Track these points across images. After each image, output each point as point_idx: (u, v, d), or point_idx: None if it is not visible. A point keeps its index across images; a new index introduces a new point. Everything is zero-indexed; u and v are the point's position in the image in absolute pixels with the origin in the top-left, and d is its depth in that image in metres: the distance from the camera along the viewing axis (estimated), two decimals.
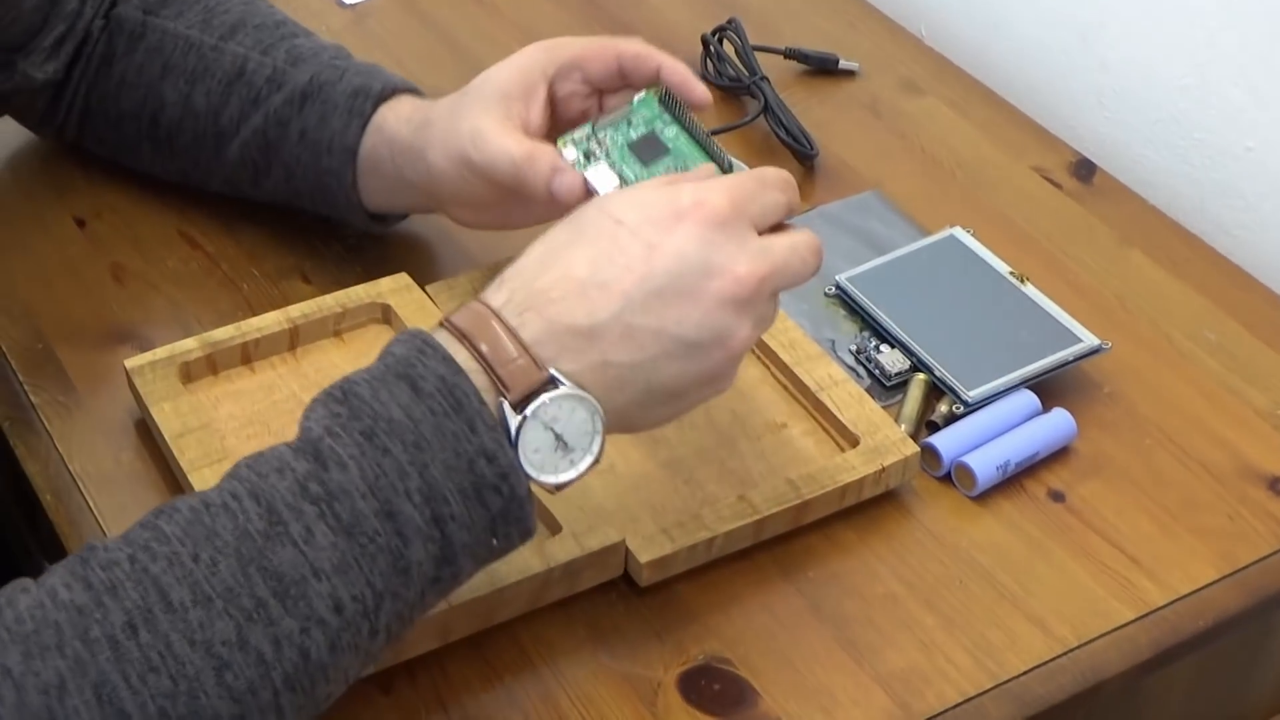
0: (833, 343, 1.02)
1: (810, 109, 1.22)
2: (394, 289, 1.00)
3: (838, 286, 1.05)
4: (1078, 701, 0.84)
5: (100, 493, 0.92)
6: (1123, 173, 1.20)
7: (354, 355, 0.98)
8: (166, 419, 0.92)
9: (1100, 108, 1.25)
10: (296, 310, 0.98)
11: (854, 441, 0.92)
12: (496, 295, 0.77)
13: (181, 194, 1.12)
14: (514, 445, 0.74)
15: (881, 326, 1.01)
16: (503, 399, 0.74)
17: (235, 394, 0.95)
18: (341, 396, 0.74)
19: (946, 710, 0.83)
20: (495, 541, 0.75)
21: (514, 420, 0.74)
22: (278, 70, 1.04)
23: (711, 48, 1.25)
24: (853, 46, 1.30)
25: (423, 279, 1.01)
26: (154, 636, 0.67)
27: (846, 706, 0.82)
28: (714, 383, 0.80)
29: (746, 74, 1.22)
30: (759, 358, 0.98)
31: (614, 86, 0.97)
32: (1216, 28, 1.15)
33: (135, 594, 0.68)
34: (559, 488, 0.77)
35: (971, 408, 0.96)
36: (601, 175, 0.90)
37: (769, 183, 0.81)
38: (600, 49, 0.96)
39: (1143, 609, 0.88)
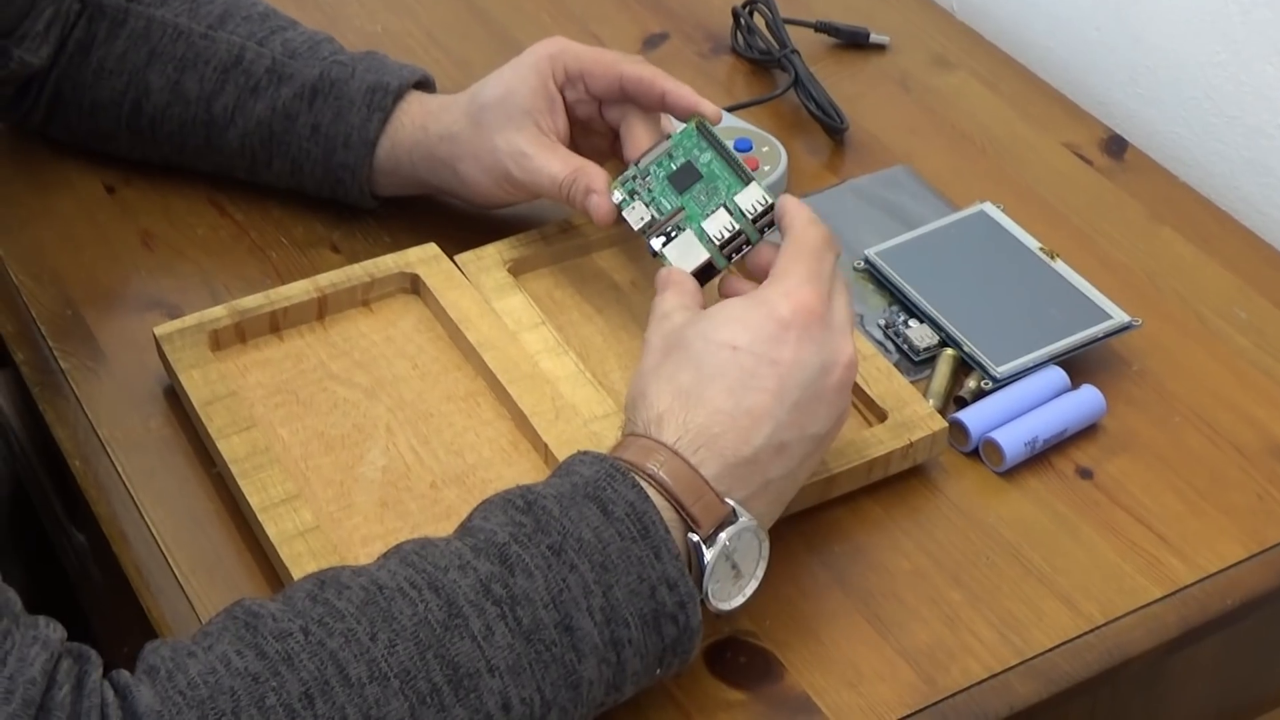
0: (861, 317, 1.02)
1: (840, 83, 1.22)
2: (422, 259, 1.00)
3: (867, 261, 1.04)
4: (1104, 679, 0.84)
5: (129, 458, 0.92)
6: (1154, 149, 1.19)
7: (382, 324, 0.98)
8: (195, 386, 0.92)
9: (1132, 84, 1.25)
10: (325, 279, 0.98)
11: (882, 416, 0.92)
12: (663, 434, 0.79)
13: None
14: (703, 577, 0.77)
15: (910, 301, 1.01)
16: (693, 534, 0.77)
17: (263, 362, 0.96)
18: (525, 506, 0.76)
19: (972, 686, 0.82)
20: (659, 671, 0.77)
21: (708, 554, 0.77)
22: (277, 62, 1.05)
23: (742, 20, 1.25)
24: (884, 20, 1.29)
25: (451, 249, 1.01)
26: (330, 709, 0.68)
27: (872, 680, 0.82)
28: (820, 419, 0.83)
29: (777, 47, 1.22)
30: None
31: (615, 100, 1.00)
32: (1250, 4, 1.14)
33: (312, 666, 0.69)
34: (724, 613, 0.80)
35: (1000, 384, 0.96)
36: (635, 214, 0.94)
37: (822, 247, 0.85)
38: (605, 67, 0.99)
39: (1170, 587, 0.88)
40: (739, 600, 0.80)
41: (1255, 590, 0.89)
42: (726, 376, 0.80)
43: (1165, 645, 0.86)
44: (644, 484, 0.77)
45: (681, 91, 0.97)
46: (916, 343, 0.99)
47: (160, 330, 0.95)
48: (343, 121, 1.03)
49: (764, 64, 1.24)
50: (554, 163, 0.98)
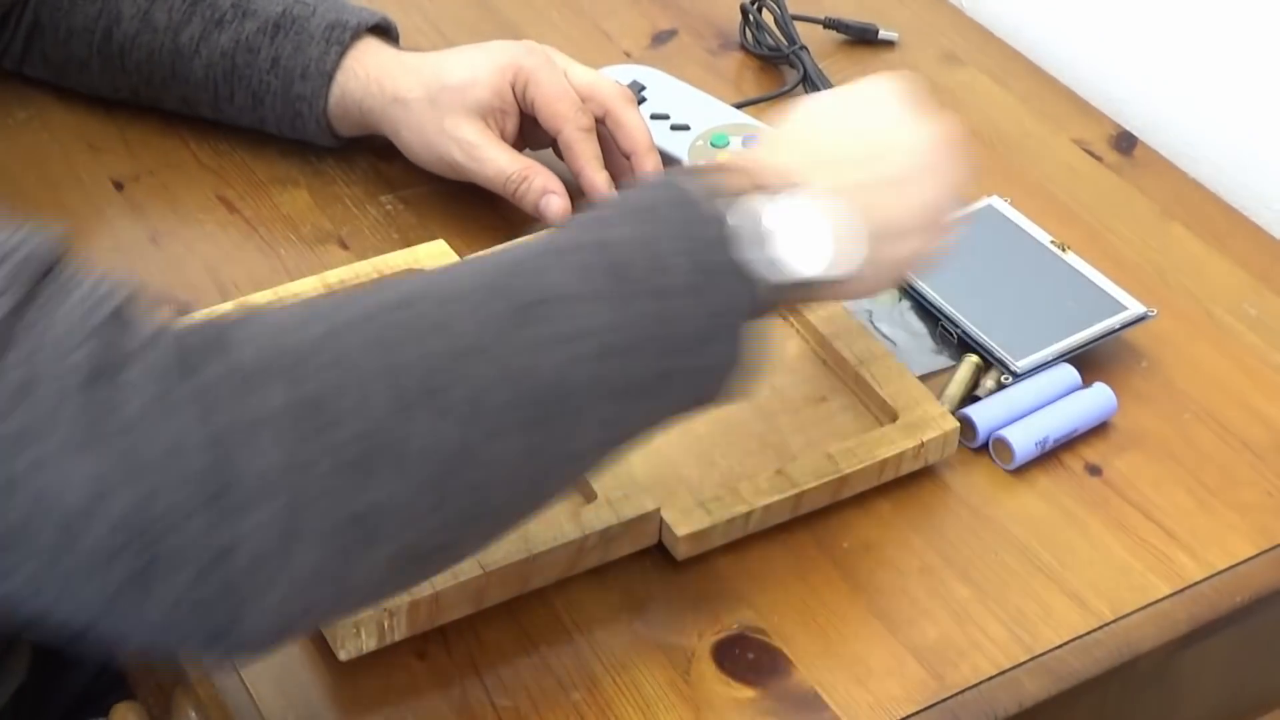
0: (870, 313, 1.02)
1: (849, 79, 1.20)
2: (431, 255, 1.00)
3: None
4: (1113, 676, 0.84)
5: None
6: (1164, 145, 1.19)
7: None
8: None
9: (1142, 79, 1.24)
10: (333, 276, 0.98)
11: (893, 416, 0.92)
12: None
13: (219, 157, 1.12)
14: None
15: (924, 298, 1.01)
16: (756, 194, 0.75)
17: None
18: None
19: (981, 682, 0.82)
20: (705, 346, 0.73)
21: (765, 205, 0.75)
22: None
23: (751, 16, 1.25)
24: (892, 17, 1.29)
25: (459, 246, 1.01)
26: (421, 311, 0.68)
27: (880, 677, 0.82)
28: (930, 171, 0.82)
29: (785, 43, 1.22)
30: (798, 331, 0.98)
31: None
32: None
33: (402, 287, 0.70)
34: (812, 284, 0.76)
35: (1020, 378, 0.95)
36: None
37: None
38: (551, 116, 1.04)
39: (1179, 584, 0.88)
40: (818, 267, 0.76)
41: (1265, 587, 0.88)
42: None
43: (1175, 642, 0.86)
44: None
45: (596, 181, 1.03)
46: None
47: None
48: (302, 54, 1.07)
49: (773, 61, 1.24)
50: (502, 157, 1.03)
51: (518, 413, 0.68)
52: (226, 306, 0.95)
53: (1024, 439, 0.92)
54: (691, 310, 0.72)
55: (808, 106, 0.85)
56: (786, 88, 1.19)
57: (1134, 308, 0.99)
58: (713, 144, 1.11)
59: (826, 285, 0.77)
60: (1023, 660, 0.83)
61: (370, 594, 0.69)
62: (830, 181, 0.78)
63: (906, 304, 1.02)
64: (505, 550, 0.82)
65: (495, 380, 0.67)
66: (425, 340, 0.67)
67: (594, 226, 0.74)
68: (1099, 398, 0.95)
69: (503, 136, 1.05)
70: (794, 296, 0.78)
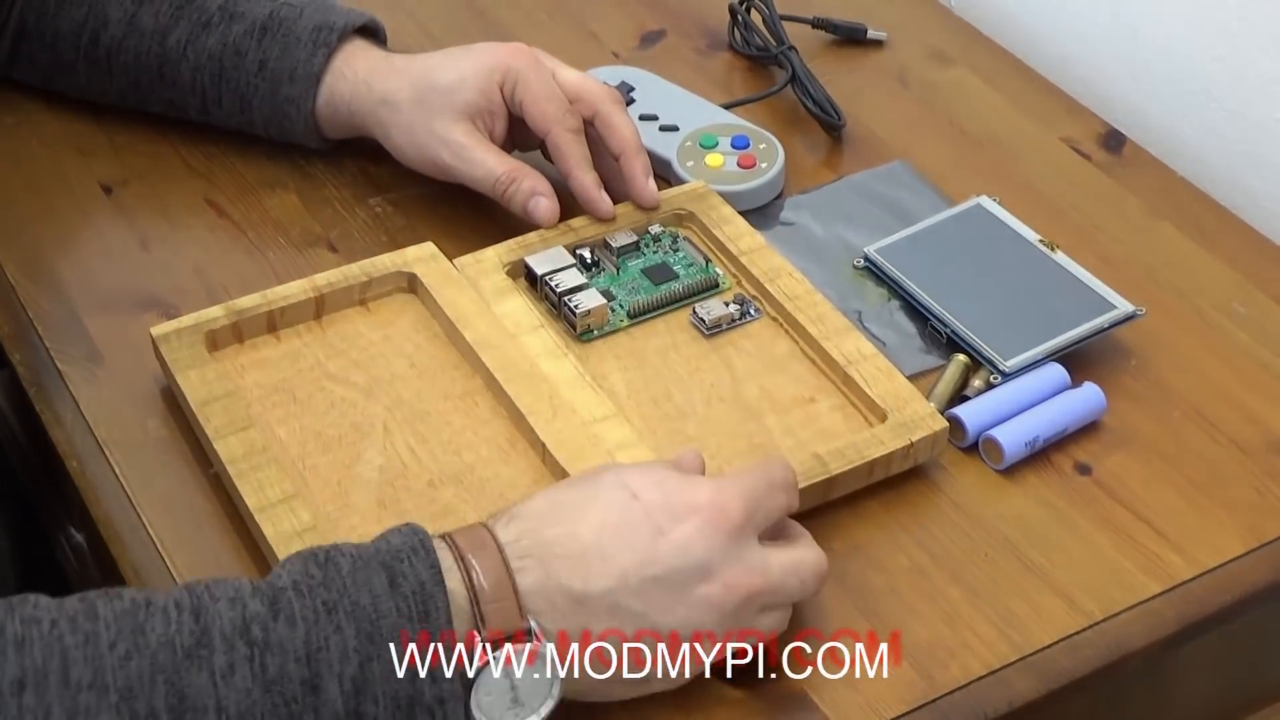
0: (859, 313, 1.02)
1: (838, 79, 1.22)
2: (420, 258, 1.00)
3: (866, 259, 1.04)
4: (1102, 675, 0.84)
5: (126, 460, 0.92)
6: (1153, 144, 1.19)
7: (379, 324, 0.98)
8: (192, 386, 0.92)
9: (1130, 78, 1.24)
10: (322, 279, 0.98)
11: (882, 416, 0.92)
12: (505, 530, 0.76)
13: (208, 161, 1.12)
14: (470, 680, 0.73)
15: (913, 298, 1.01)
16: (476, 633, 0.73)
17: (261, 362, 0.96)
18: (323, 560, 0.74)
19: (971, 682, 0.82)
20: None
21: (479, 659, 0.73)
22: (230, 0, 1.09)
23: (739, 17, 1.25)
24: (881, 16, 1.29)
25: (448, 248, 1.01)
26: (38, 701, 0.67)
27: (871, 678, 0.82)
28: (675, 676, 0.78)
29: (774, 43, 1.22)
30: (788, 333, 0.98)
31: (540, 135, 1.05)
32: None
33: (39, 655, 0.68)
34: None
35: (1009, 378, 0.95)
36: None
37: (776, 484, 0.81)
38: (539, 118, 1.03)
39: (1168, 582, 0.88)
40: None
41: (1254, 585, 0.88)
42: (608, 514, 0.76)
43: (1164, 641, 0.86)
44: (451, 568, 0.73)
45: (585, 182, 1.02)
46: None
47: (157, 331, 0.94)
48: (289, 56, 1.07)
49: (761, 61, 1.24)
50: (490, 158, 1.03)
51: None
52: (215, 311, 0.95)
53: (1013, 439, 0.92)
54: None
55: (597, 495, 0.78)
56: (775, 88, 1.19)
57: (1123, 306, 0.99)
58: (701, 145, 1.11)
59: None
60: (1012, 660, 0.83)
61: None
62: (566, 626, 0.74)
63: (895, 304, 1.02)
64: None
65: None
66: None
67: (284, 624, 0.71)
68: (1088, 397, 0.95)
69: (491, 138, 1.04)
70: None
